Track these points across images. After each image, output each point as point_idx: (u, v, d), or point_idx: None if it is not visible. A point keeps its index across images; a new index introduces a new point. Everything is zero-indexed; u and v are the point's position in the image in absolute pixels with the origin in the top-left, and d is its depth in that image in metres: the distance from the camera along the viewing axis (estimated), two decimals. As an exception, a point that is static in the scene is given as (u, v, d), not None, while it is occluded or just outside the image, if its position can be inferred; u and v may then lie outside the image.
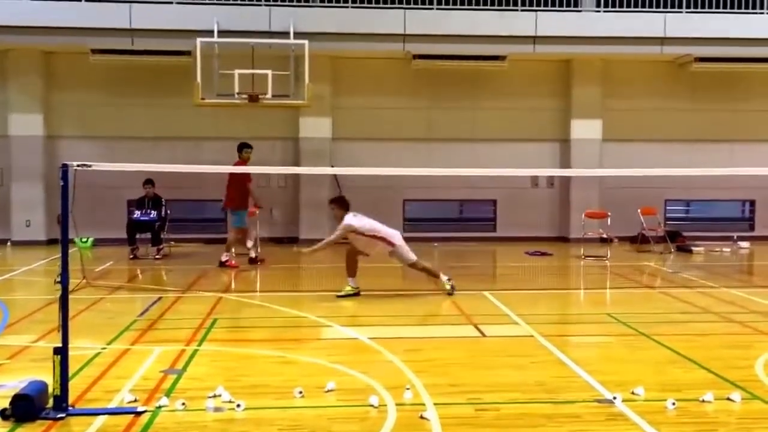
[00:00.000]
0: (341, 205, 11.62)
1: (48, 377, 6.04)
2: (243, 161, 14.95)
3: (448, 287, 11.45)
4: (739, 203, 20.09)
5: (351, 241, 11.44)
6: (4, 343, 8.32)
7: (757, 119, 19.17)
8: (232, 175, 14.62)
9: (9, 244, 17.62)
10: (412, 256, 11.63)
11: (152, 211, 15.97)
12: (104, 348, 8.01)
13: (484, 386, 6.77)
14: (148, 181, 16.09)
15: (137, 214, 16.12)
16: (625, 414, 6.01)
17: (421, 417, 5.89)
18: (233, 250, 14.93)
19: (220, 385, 6.44)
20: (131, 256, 15.64)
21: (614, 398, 6.30)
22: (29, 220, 17.85)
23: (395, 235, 11.52)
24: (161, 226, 16.04)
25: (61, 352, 5.89)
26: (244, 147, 15.10)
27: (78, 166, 6.12)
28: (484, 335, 8.98)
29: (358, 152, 18.25)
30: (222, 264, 14.53)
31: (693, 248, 17.03)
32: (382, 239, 11.38)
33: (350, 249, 11.50)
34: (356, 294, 11.28)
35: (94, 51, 16.92)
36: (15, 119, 17.82)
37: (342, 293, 11.25)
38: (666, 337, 8.56)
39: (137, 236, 15.97)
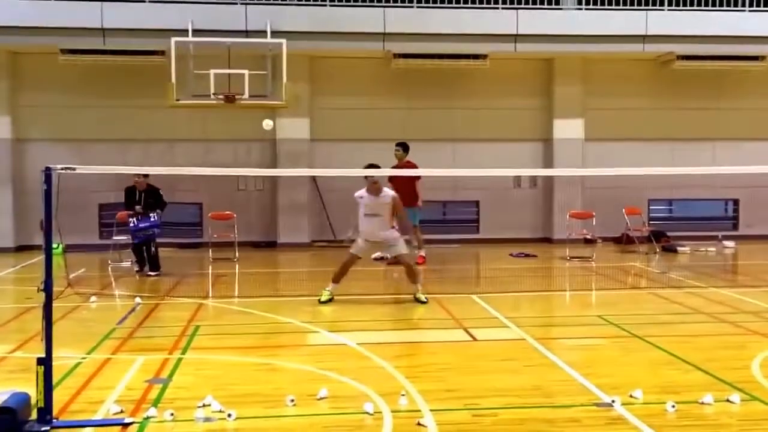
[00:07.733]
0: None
1: (27, 388, 5.80)
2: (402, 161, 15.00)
3: (423, 298, 10.88)
4: (722, 202, 20.04)
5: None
6: (-22, 354, 8.00)
7: (739, 117, 19.08)
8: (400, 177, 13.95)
9: (-24, 251, 17.10)
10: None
11: (151, 215, 13.80)
12: (84, 358, 7.73)
13: (480, 391, 6.64)
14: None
15: (132, 222, 13.82)
16: (624, 417, 5.95)
17: (418, 424, 5.78)
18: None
19: (209, 395, 6.24)
20: (138, 274, 13.88)
21: (613, 402, 6.23)
22: (-3, 227, 17.34)
23: None
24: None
25: (45, 363, 5.64)
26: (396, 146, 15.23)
27: (62, 169, 5.81)
28: (475, 339, 8.82)
29: (337, 153, 17.91)
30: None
31: (678, 248, 16.93)
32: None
33: (353, 257, 11.10)
34: (330, 300, 10.92)
35: (64, 51, 16.39)
36: (-19, 122, 17.32)
37: (323, 299, 10.88)
38: (659, 339, 8.47)
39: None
